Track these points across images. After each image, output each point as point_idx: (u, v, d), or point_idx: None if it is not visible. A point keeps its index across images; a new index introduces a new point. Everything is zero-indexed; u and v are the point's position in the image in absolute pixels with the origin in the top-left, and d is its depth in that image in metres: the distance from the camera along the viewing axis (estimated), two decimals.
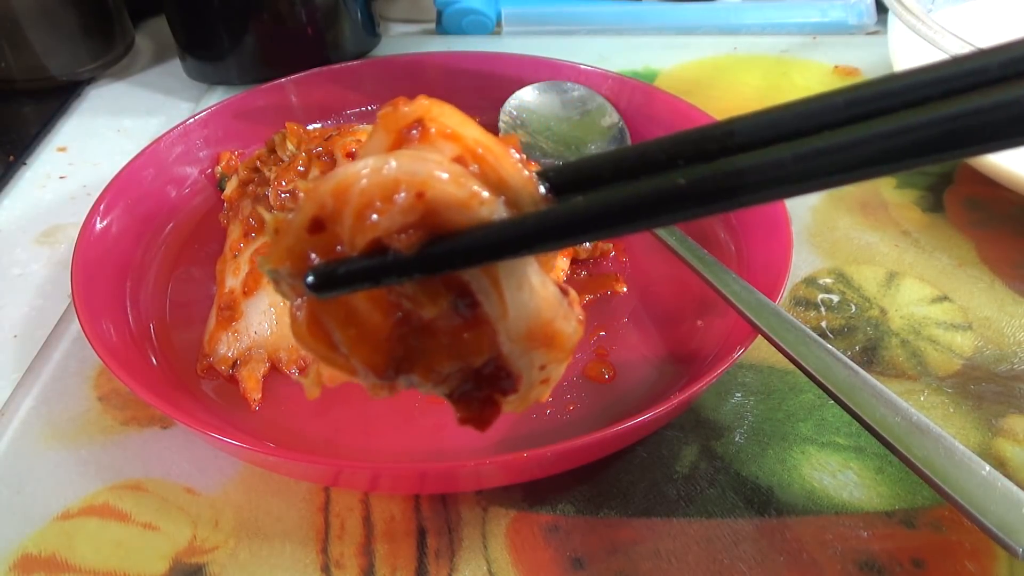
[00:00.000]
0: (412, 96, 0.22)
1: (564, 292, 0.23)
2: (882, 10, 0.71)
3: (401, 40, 0.73)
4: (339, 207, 0.20)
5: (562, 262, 0.45)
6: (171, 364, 0.42)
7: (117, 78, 0.69)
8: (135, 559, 0.35)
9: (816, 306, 0.46)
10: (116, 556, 0.35)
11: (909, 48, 0.55)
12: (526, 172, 0.21)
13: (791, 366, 0.36)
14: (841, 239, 0.50)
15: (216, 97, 0.65)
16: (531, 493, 0.37)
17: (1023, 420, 0.39)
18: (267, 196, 0.44)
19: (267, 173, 0.46)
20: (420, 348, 0.22)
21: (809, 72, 0.67)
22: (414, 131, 0.21)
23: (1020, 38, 0.17)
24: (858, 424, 0.33)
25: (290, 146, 0.46)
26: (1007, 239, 0.50)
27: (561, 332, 0.22)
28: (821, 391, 0.35)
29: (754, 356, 0.42)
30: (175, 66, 0.69)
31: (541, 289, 0.22)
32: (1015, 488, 0.30)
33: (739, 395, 0.41)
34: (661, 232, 0.43)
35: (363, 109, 0.59)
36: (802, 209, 0.52)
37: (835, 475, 0.37)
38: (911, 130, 0.16)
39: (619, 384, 0.41)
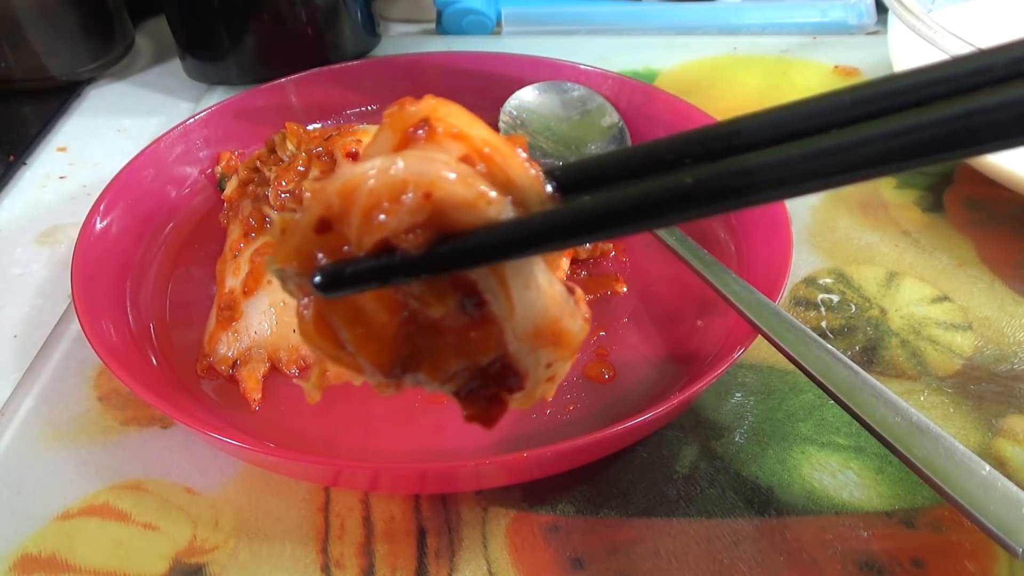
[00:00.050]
0: (413, 96, 0.22)
1: (570, 291, 0.23)
2: (882, 10, 0.71)
3: (401, 40, 0.73)
4: (346, 207, 0.20)
5: (563, 262, 0.45)
6: (171, 364, 0.42)
7: (117, 78, 0.69)
8: (135, 559, 0.35)
9: (816, 306, 0.46)
10: (116, 556, 0.35)
11: (909, 48, 0.55)
12: (533, 171, 0.21)
13: (791, 366, 0.36)
14: (841, 239, 0.50)
15: (216, 97, 0.65)
16: (531, 493, 0.37)
17: (1023, 420, 0.39)
18: (267, 196, 0.44)
19: (267, 173, 0.46)
20: (427, 347, 0.22)
21: (809, 72, 0.67)
22: (420, 130, 0.21)
23: None
24: (858, 424, 0.33)
25: (290, 146, 0.46)
26: (1007, 239, 0.50)
27: (568, 330, 0.22)
28: (821, 391, 0.35)
29: (754, 356, 0.42)
30: (175, 66, 0.69)
31: (548, 288, 0.22)
32: (1015, 488, 0.30)
33: (739, 395, 0.41)
34: (661, 232, 0.43)
35: (363, 109, 0.59)
36: (802, 209, 0.52)
37: (835, 475, 0.37)
38: (918, 129, 0.16)
39: (619, 384, 0.41)
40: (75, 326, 0.46)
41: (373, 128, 0.44)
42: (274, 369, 0.42)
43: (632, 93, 0.55)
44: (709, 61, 0.69)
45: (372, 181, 0.20)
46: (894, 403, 0.33)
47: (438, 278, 0.21)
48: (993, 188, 0.52)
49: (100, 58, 0.67)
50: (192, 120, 0.53)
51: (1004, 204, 0.52)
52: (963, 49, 0.46)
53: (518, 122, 0.55)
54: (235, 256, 0.44)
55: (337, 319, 0.22)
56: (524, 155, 0.22)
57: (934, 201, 0.53)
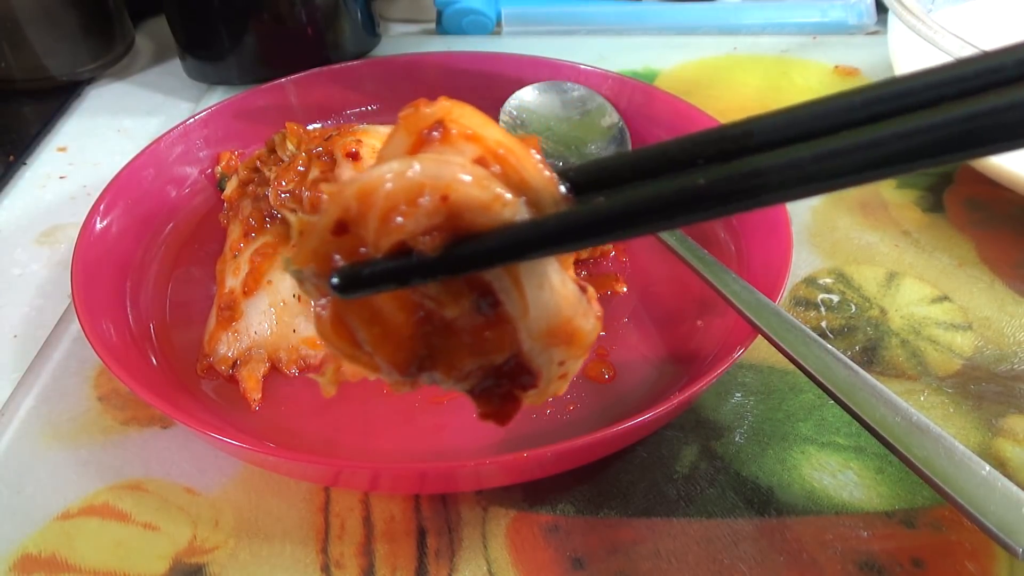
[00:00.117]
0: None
1: (583, 289, 0.23)
2: (882, 10, 0.71)
3: (401, 40, 0.73)
4: (364, 210, 0.20)
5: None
6: (171, 364, 0.42)
7: (117, 78, 0.69)
8: (135, 559, 0.35)
9: (816, 306, 0.46)
10: (116, 556, 0.35)
11: (909, 48, 0.55)
12: (547, 173, 0.22)
13: (791, 366, 0.36)
14: (841, 239, 0.50)
15: (216, 97, 0.65)
16: (531, 493, 0.37)
17: (1023, 420, 0.39)
18: (267, 196, 0.44)
19: (267, 173, 0.46)
20: (443, 346, 0.22)
21: (809, 72, 0.67)
22: (435, 132, 0.21)
23: None
24: (858, 424, 0.33)
25: (290, 146, 0.46)
26: (1007, 239, 0.50)
27: (580, 329, 0.23)
28: (821, 391, 0.34)
29: (754, 356, 0.42)
30: (175, 66, 0.69)
31: (561, 288, 0.22)
32: (1015, 488, 0.30)
33: (739, 395, 0.41)
34: (661, 232, 0.43)
35: (363, 109, 0.59)
36: (802, 209, 0.52)
37: (835, 475, 0.37)
38: (928, 130, 0.16)
39: (619, 384, 0.41)
40: (75, 326, 0.46)
41: (373, 128, 0.44)
42: (274, 369, 0.42)
43: (632, 93, 0.55)
44: (709, 61, 0.69)
45: (389, 184, 0.20)
46: (894, 403, 0.33)
47: (454, 279, 0.21)
48: (993, 188, 0.52)
49: (100, 58, 0.67)
50: (192, 120, 0.53)
51: (1004, 204, 0.52)
52: (963, 49, 0.46)
53: (518, 122, 0.55)
54: (235, 256, 0.44)
55: (354, 319, 0.22)
56: (538, 156, 0.22)
57: (934, 201, 0.53)
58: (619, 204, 0.19)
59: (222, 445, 0.37)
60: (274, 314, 0.42)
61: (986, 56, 0.17)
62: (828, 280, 0.47)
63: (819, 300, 0.46)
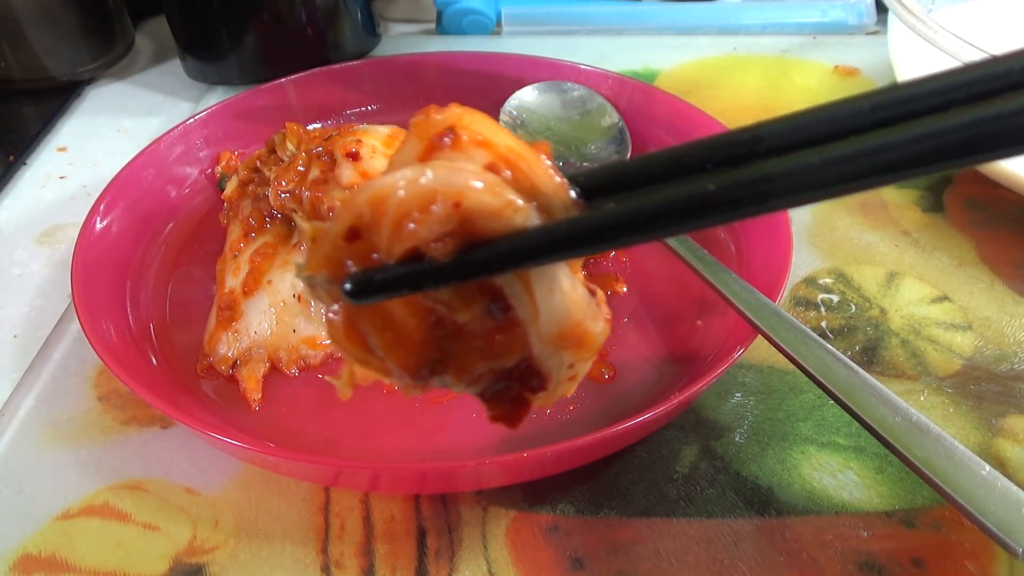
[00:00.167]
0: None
1: (592, 292, 0.23)
2: (882, 10, 0.71)
3: (401, 40, 0.73)
4: (376, 217, 0.21)
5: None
6: (171, 364, 0.42)
7: (117, 78, 0.69)
8: (135, 559, 0.35)
9: (816, 306, 0.46)
10: (116, 556, 0.35)
11: (909, 48, 0.55)
12: (558, 179, 0.22)
13: (791, 366, 0.36)
14: (841, 239, 0.50)
15: (216, 97, 0.65)
16: (531, 493, 0.37)
17: (1023, 420, 0.39)
18: (267, 196, 0.44)
19: (267, 173, 0.46)
20: (454, 350, 0.23)
21: (809, 72, 0.67)
22: (446, 138, 0.22)
23: None
24: (858, 424, 0.33)
25: (290, 146, 0.46)
26: (1007, 239, 0.50)
27: (590, 332, 0.23)
28: (821, 391, 0.34)
29: (754, 356, 0.42)
30: (175, 66, 0.69)
31: (571, 291, 0.22)
32: (1015, 488, 0.30)
33: (739, 395, 0.41)
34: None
35: (363, 109, 0.59)
36: (802, 209, 0.52)
37: (835, 475, 0.37)
38: (937, 135, 0.16)
39: (619, 384, 0.41)
40: (75, 326, 0.46)
41: (373, 128, 0.44)
42: (274, 369, 0.42)
43: (632, 93, 0.55)
44: (709, 61, 0.69)
45: (402, 191, 0.20)
46: (894, 403, 0.33)
47: (465, 284, 0.21)
48: (993, 188, 0.52)
49: (100, 58, 0.67)
50: (192, 120, 0.53)
51: (1004, 204, 0.52)
52: (963, 49, 0.46)
53: (518, 122, 0.55)
54: (235, 256, 0.44)
55: (366, 324, 0.23)
56: (549, 162, 0.22)
57: (934, 201, 0.53)
58: (629, 210, 0.19)
59: (222, 445, 0.37)
60: (274, 314, 0.42)
61: (994, 61, 0.17)
62: (828, 280, 0.47)
63: (819, 300, 0.46)
